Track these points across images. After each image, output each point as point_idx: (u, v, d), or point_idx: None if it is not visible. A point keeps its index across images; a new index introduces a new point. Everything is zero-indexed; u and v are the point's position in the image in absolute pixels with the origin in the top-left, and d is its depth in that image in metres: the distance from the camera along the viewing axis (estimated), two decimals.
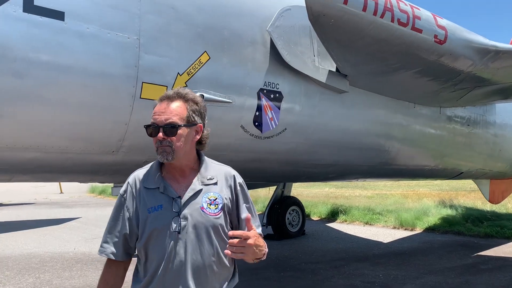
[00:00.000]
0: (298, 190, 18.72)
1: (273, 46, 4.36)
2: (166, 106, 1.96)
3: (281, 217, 9.83)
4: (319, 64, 4.73)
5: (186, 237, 1.93)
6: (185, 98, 1.99)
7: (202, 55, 3.83)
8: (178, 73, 3.67)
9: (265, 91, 4.30)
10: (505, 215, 12.17)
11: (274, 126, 4.43)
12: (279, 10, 4.38)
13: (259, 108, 4.26)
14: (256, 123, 4.28)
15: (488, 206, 13.58)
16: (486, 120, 8.12)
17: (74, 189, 25.79)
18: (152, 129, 1.95)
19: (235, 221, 2.09)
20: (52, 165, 3.42)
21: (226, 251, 1.84)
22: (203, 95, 3.79)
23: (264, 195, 17.35)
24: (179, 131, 1.93)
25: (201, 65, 3.81)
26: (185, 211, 1.96)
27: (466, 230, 10.70)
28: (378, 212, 13.19)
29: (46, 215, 14.60)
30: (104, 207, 16.93)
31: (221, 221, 2.00)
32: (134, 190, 2.02)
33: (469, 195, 18.04)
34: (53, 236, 10.57)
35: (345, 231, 11.18)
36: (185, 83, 3.72)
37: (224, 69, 3.99)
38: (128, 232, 2.00)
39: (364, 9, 3.72)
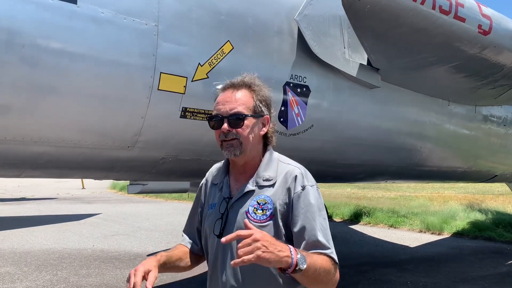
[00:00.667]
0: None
1: (300, 37, 4.06)
2: (231, 95, 1.78)
3: None
4: (350, 57, 4.41)
5: (229, 244, 1.68)
6: (251, 86, 1.81)
7: (225, 44, 3.56)
8: (199, 63, 3.41)
9: (291, 84, 4.01)
10: None
11: (300, 123, 4.13)
12: None
13: (284, 103, 3.97)
14: (282, 119, 3.99)
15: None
16: None
17: (95, 184, 26.00)
18: (215, 121, 1.76)
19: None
20: (64, 160, 3.20)
21: (231, 262, 1.48)
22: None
23: None
24: (246, 122, 1.74)
25: (223, 55, 3.54)
26: (231, 215, 1.74)
27: (497, 236, 10.19)
28: (403, 215, 12.74)
29: (67, 211, 14.64)
30: (124, 203, 16.93)
31: (269, 230, 1.66)
32: (207, 183, 1.96)
33: (497, 199, 17.36)
34: (72, 232, 10.51)
35: (369, 234, 10.81)
36: (206, 74, 3.46)
37: (249, 60, 3.71)
38: (199, 226, 1.95)
39: None
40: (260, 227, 1.62)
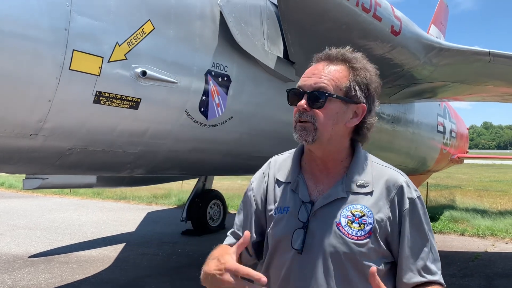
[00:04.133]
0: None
1: (222, 23, 3.87)
2: (321, 68, 1.43)
3: (202, 211, 9.32)
4: (268, 49, 4.34)
5: (311, 261, 1.37)
6: (351, 62, 1.44)
7: (146, 24, 3.23)
8: (117, 42, 3.04)
9: (213, 73, 3.81)
10: None
11: (220, 113, 3.96)
12: None
13: (205, 92, 3.76)
14: (202, 109, 3.77)
15: None
16: (407, 119, 8.39)
17: None
18: (294, 94, 1.44)
19: (396, 255, 1.42)
20: None
21: None
22: (145, 71, 3.22)
23: (176, 188, 16.67)
24: (329, 104, 1.39)
25: (144, 35, 3.22)
26: (314, 224, 1.40)
27: None
28: None
29: None
30: None
31: (368, 249, 1.37)
32: (266, 178, 1.57)
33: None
34: None
35: None
36: (124, 55, 3.11)
37: (170, 43, 3.43)
38: (254, 229, 1.56)
39: None
40: (356, 245, 1.36)
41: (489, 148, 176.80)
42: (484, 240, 9.35)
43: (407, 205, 1.40)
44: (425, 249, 1.41)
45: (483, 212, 11.62)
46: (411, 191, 1.43)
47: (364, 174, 1.44)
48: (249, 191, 1.62)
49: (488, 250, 8.35)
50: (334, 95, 1.40)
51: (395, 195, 1.41)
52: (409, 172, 10.42)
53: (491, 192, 17.86)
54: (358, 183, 1.42)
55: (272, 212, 1.51)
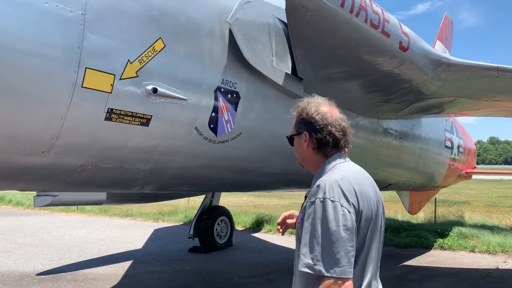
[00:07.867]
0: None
1: (231, 41, 3.91)
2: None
3: (210, 228, 9.27)
4: (277, 65, 4.37)
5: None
6: (298, 108, 2.11)
7: (157, 41, 3.27)
8: (129, 60, 3.08)
9: (222, 90, 3.83)
10: (420, 225, 12.77)
11: (229, 130, 3.96)
12: (239, 1, 3.95)
13: (215, 108, 3.78)
14: (212, 126, 3.78)
15: (401, 217, 14.24)
16: (414, 134, 8.36)
17: None
18: None
19: None
20: None
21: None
22: (156, 89, 3.24)
23: (183, 204, 16.64)
24: (294, 142, 2.13)
25: (155, 53, 3.25)
26: None
27: (387, 240, 10.95)
28: None
29: None
30: (1, 217, 15.03)
31: (300, 230, 1.89)
32: None
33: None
34: None
35: (271, 241, 10.92)
36: (136, 72, 3.14)
37: (180, 60, 3.46)
38: None
39: (342, 5, 3.43)
40: (297, 226, 1.94)
41: (496, 164, 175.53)
42: (495, 256, 9.21)
43: (309, 203, 1.84)
44: (303, 241, 1.79)
45: (492, 228, 11.48)
46: (318, 194, 1.81)
47: (316, 182, 1.90)
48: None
49: (500, 267, 8.22)
50: (288, 136, 2.18)
51: (310, 194, 1.88)
52: (417, 188, 10.35)
53: (500, 208, 17.66)
54: (312, 188, 1.91)
55: None
